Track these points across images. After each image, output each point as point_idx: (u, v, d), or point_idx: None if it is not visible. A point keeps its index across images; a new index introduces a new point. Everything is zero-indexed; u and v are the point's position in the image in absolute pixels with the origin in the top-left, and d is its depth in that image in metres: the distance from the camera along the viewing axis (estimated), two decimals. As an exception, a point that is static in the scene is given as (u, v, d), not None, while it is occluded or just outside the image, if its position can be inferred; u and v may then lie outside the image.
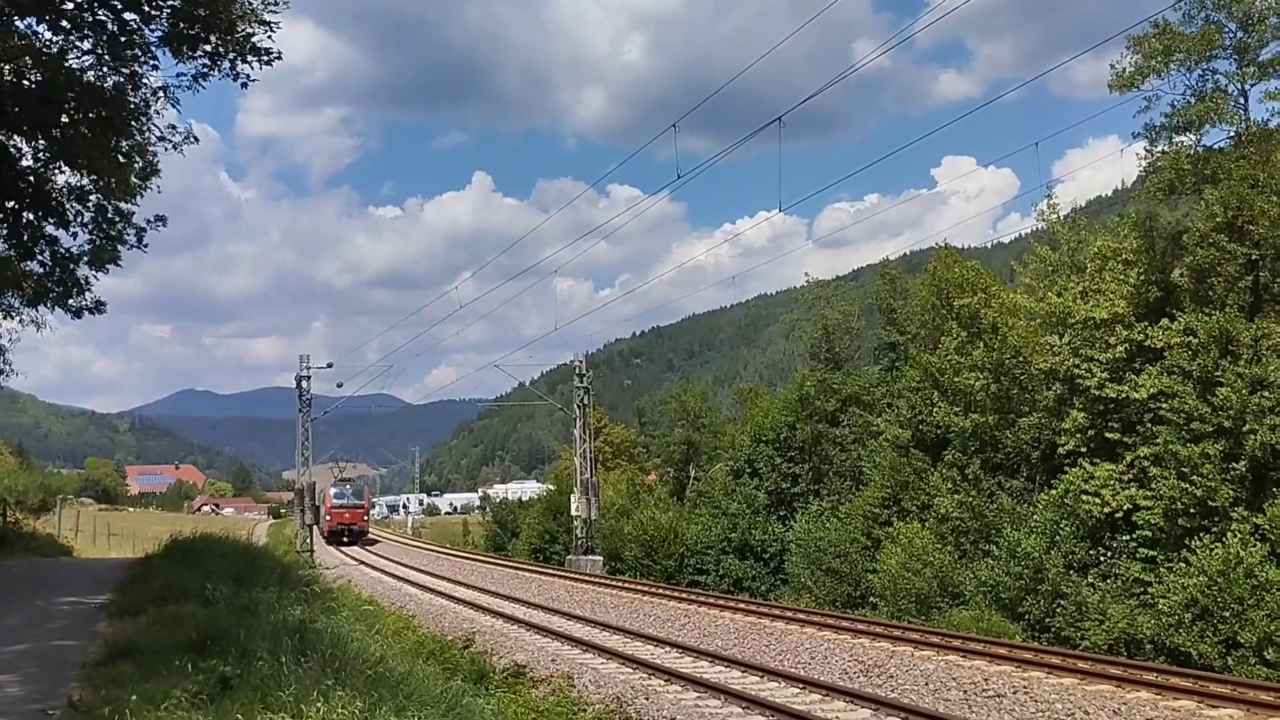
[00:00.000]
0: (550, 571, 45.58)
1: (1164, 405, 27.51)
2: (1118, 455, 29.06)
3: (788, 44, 25.14)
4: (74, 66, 20.41)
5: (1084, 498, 28.97)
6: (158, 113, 21.60)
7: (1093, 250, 31.35)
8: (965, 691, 16.14)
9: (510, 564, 53.01)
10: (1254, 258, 27.14)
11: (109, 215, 23.30)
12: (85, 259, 23.68)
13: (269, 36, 20.24)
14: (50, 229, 23.09)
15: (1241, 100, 28.79)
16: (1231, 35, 28.46)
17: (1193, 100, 28.73)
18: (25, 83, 20.25)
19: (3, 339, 27.23)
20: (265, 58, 20.45)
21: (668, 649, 21.02)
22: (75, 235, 23.40)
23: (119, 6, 19.71)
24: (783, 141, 25.71)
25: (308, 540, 51.87)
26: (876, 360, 46.97)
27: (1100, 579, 28.45)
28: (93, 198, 23.13)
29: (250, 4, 19.90)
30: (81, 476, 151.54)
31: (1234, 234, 26.96)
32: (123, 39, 20.17)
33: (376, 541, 76.71)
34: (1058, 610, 28.62)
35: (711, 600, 31.06)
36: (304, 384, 54.30)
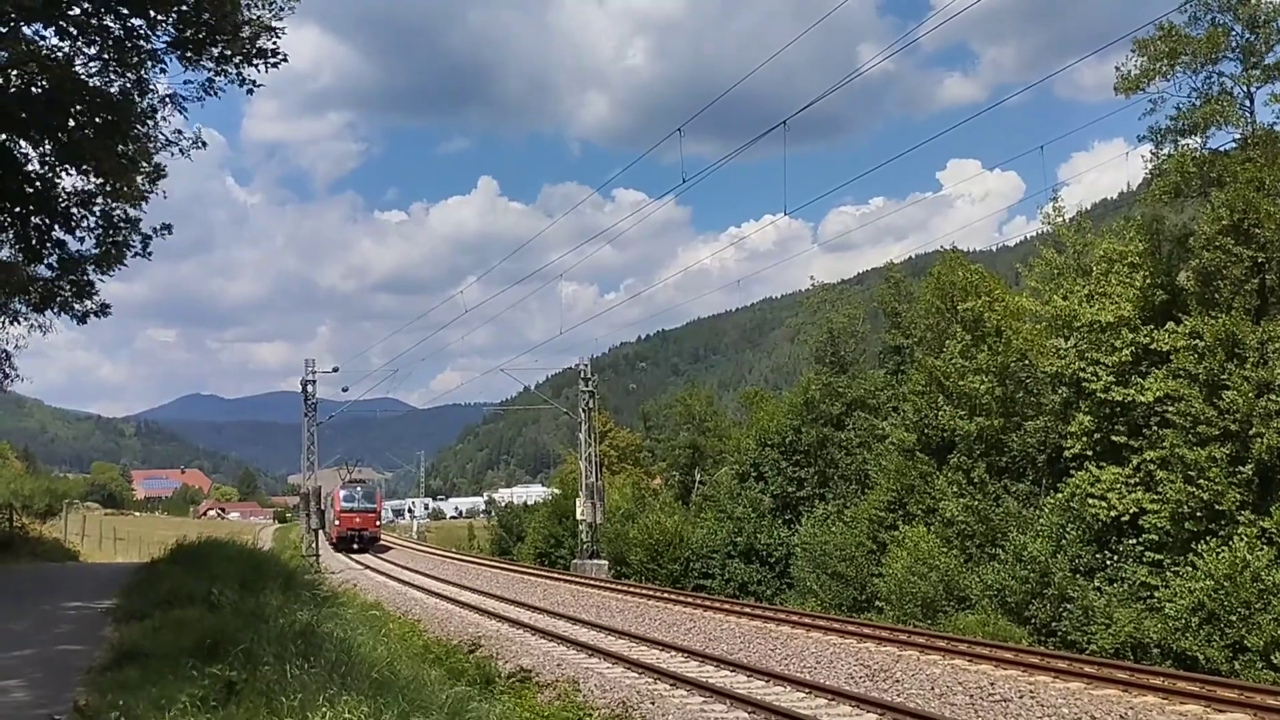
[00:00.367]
0: (555, 576, 45.58)
1: (1170, 408, 27.45)
2: (1124, 459, 29.00)
3: (792, 48, 25.19)
4: (80, 72, 20.48)
5: (1090, 501, 28.91)
6: (165, 119, 21.68)
7: (1098, 253, 31.30)
8: (971, 696, 16.11)
9: (516, 568, 53.01)
10: (1260, 261, 27.08)
11: (115, 220, 23.38)
12: (91, 263, 23.76)
13: (274, 41, 20.31)
14: (58, 232, 23.17)
15: (1247, 103, 28.77)
16: (1238, 37, 28.46)
17: (1198, 103, 28.71)
18: (32, 88, 20.32)
19: (9, 344, 27.36)
20: (270, 60, 20.50)
21: (673, 653, 21.00)
22: (83, 240, 23.49)
23: (125, 12, 19.77)
24: (788, 145, 25.74)
25: (313, 545, 51.86)
26: (881, 364, 46.95)
27: (1107, 583, 28.37)
28: (99, 201, 23.21)
29: (256, 13, 19.95)
30: (87, 481, 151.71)
31: (1240, 237, 26.91)
32: (129, 44, 20.24)
33: (389, 548, 71.96)
34: (1064, 614, 28.55)
35: (717, 604, 31.04)
36: (309, 388, 54.27)
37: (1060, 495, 30.31)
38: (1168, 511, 27.02)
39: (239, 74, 20.63)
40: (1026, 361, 33.30)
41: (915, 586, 32.62)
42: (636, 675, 18.48)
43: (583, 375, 54.70)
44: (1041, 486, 32.67)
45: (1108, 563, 28.73)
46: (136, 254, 23.70)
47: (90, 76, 20.67)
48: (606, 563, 49.47)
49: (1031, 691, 16.19)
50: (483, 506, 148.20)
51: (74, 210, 23.04)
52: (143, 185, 22.73)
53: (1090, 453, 29.89)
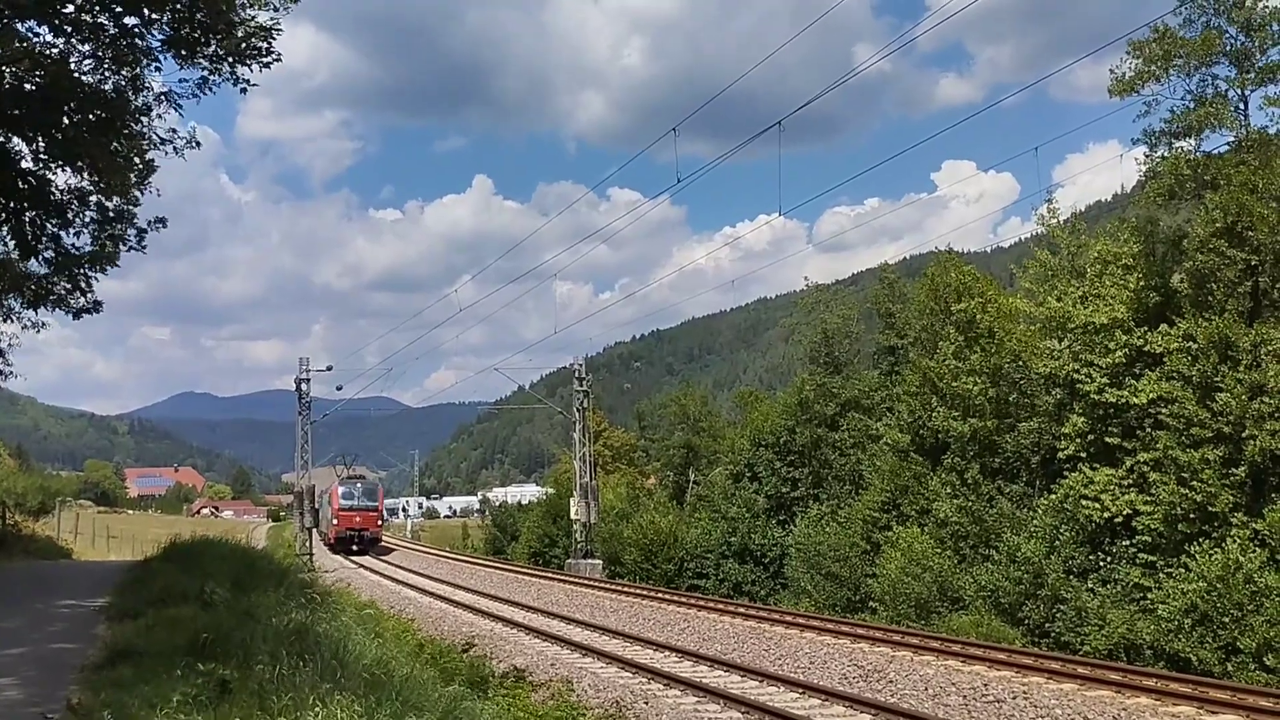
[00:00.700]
0: (550, 575, 45.59)
1: (1164, 410, 27.50)
2: (1117, 460, 29.05)
3: (788, 48, 25.21)
4: (74, 69, 20.44)
5: (1084, 503, 28.96)
6: (160, 116, 21.64)
7: (1092, 255, 31.36)
8: (965, 697, 16.14)
9: (510, 568, 53.01)
10: (1253, 263, 27.15)
11: (110, 216, 23.36)
12: (86, 260, 23.75)
13: (269, 41, 20.25)
14: (53, 228, 23.13)
15: (1241, 106, 28.82)
16: (1232, 40, 28.48)
17: (1193, 105, 28.74)
18: (27, 85, 20.28)
19: (2, 341, 27.33)
20: (264, 59, 20.45)
21: (667, 653, 21.02)
22: (79, 235, 23.48)
23: (119, 10, 19.72)
24: (783, 145, 25.75)
25: (307, 543, 51.81)
26: (876, 364, 47.01)
27: (1100, 584, 28.43)
28: (93, 198, 23.19)
29: (251, 13, 19.89)
30: (81, 479, 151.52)
31: (1233, 239, 26.96)
32: (124, 42, 20.19)
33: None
34: (1057, 615, 28.61)
35: (711, 604, 31.06)
36: (304, 387, 54.26)
37: (1054, 496, 30.37)
38: (1161, 513, 27.08)
39: (233, 73, 20.59)
40: (1020, 363, 33.36)
41: (909, 587, 32.66)
42: (630, 675, 18.49)
43: (577, 375, 54.69)
44: (1035, 488, 32.72)
45: (1101, 564, 28.79)
46: (131, 248, 23.69)
47: (85, 74, 20.64)
48: (601, 562, 49.49)
49: (1025, 692, 16.22)
50: (477, 506, 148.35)
51: (69, 206, 23.01)
52: (134, 182, 22.70)
53: (1084, 454, 29.94)
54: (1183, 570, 25.73)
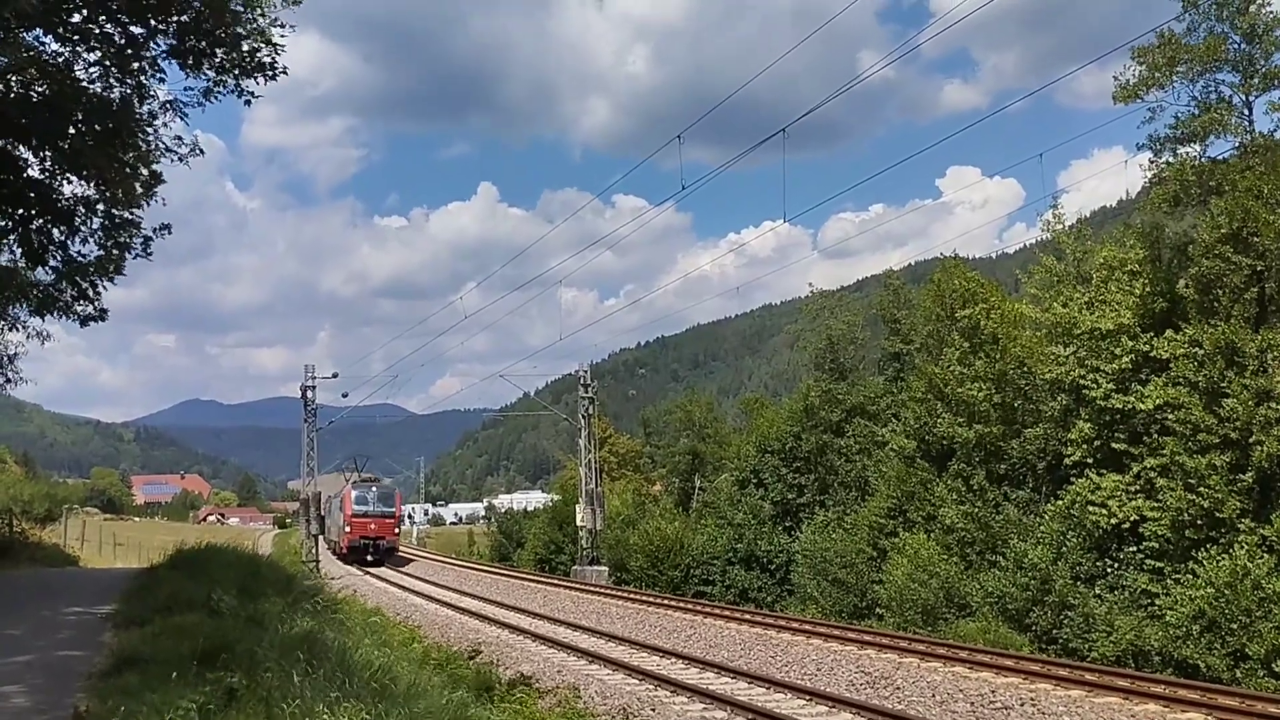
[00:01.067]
0: (555, 582, 45.54)
1: (1170, 416, 27.46)
2: (1124, 466, 29.01)
3: (792, 55, 25.19)
4: (80, 78, 20.50)
5: (1090, 509, 28.91)
6: (165, 124, 21.68)
7: (1098, 261, 31.34)
8: (972, 703, 16.10)
9: (515, 574, 52.96)
10: (1259, 269, 27.11)
11: (116, 224, 23.40)
12: (92, 268, 23.78)
13: (274, 54, 20.28)
14: (60, 236, 23.18)
15: (1246, 111, 28.84)
16: (1236, 47, 28.51)
17: (1197, 112, 28.77)
18: (32, 94, 20.34)
19: (9, 349, 27.38)
20: (270, 73, 20.49)
21: (674, 660, 20.99)
22: (85, 242, 23.51)
23: (125, 20, 19.78)
24: (787, 152, 25.75)
25: (313, 550, 51.79)
26: (881, 370, 47.02)
27: (1107, 590, 28.37)
28: (100, 207, 23.23)
29: (257, 24, 19.94)
30: (87, 486, 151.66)
31: (1239, 245, 26.92)
32: (129, 52, 20.25)
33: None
34: (1065, 621, 28.54)
35: (717, 611, 31.01)
36: (309, 394, 54.28)
37: (1061, 502, 30.31)
38: (1168, 519, 27.02)
39: (238, 85, 20.62)
40: (1025, 369, 33.33)
41: (915, 593, 32.60)
42: (637, 682, 18.46)
43: (582, 381, 54.68)
44: (1041, 494, 32.66)
45: (1108, 570, 28.73)
46: (137, 255, 23.72)
47: (90, 83, 20.69)
48: (607, 569, 49.41)
49: (1032, 699, 16.18)
50: (482, 512, 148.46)
51: (75, 214, 23.06)
52: (141, 192, 22.73)
53: (1090, 460, 29.89)
54: (1190, 576, 25.67)
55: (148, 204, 23.01)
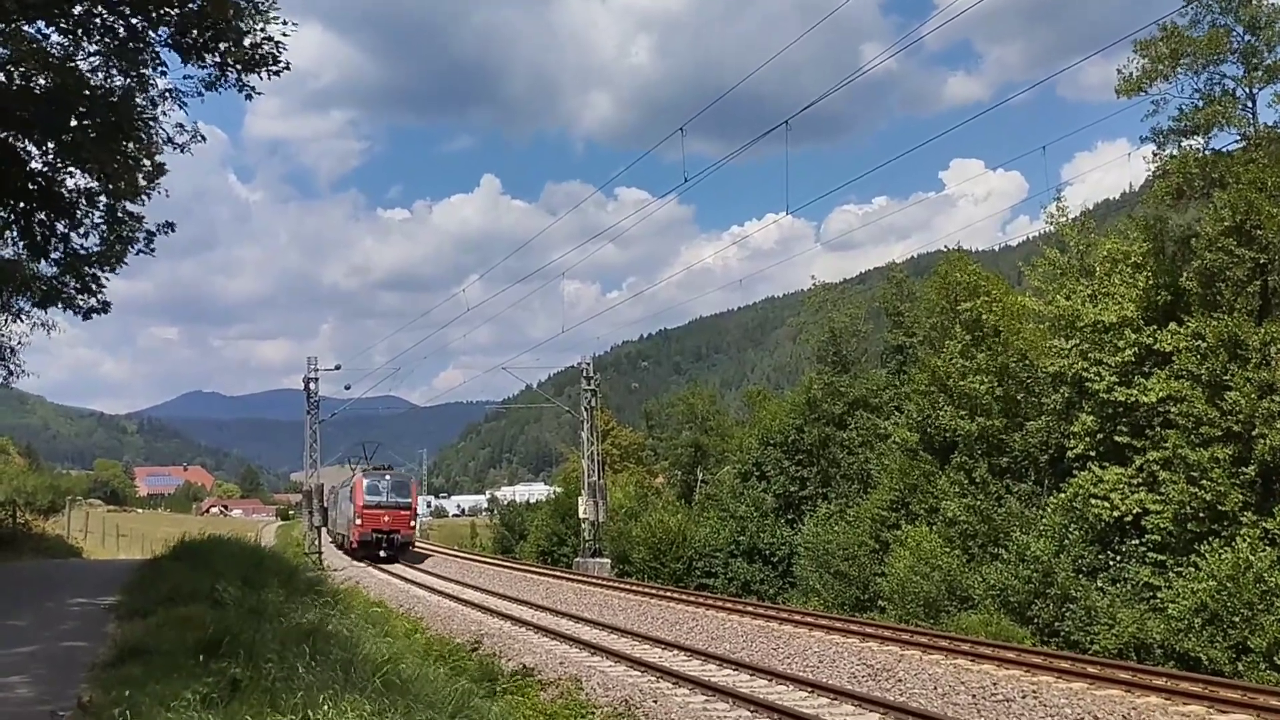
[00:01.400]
0: (558, 574, 45.59)
1: (1173, 409, 27.44)
2: (1127, 459, 29.00)
3: (795, 47, 25.19)
4: (82, 69, 20.48)
5: (1093, 501, 28.91)
6: (164, 114, 21.64)
7: (1101, 253, 31.30)
8: (974, 696, 16.12)
9: (518, 566, 53.01)
10: (1262, 262, 27.07)
11: (119, 216, 23.41)
12: (94, 260, 23.80)
13: (276, 49, 20.24)
14: (62, 228, 23.20)
15: (1250, 104, 28.77)
16: (1239, 39, 28.45)
17: (1200, 104, 28.70)
18: (34, 86, 20.33)
19: (12, 341, 27.42)
20: (273, 68, 20.46)
21: (676, 652, 21.01)
22: (87, 235, 23.53)
23: (127, 11, 19.76)
24: (790, 144, 25.72)
25: (316, 542, 51.87)
26: (884, 363, 47.01)
27: (1110, 583, 28.38)
28: (102, 200, 23.23)
29: (259, 24, 19.88)
30: (90, 478, 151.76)
31: (1242, 238, 26.89)
32: (131, 44, 20.23)
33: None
34: (1067, 614, 28.55)
35: (720, 603, 31.04)
36: (312, 386, 54.39)
37: (1063, 495, 30.30)
38: (1170, 512, 27.02)
39: (240, 80, 20.58)
40: (1027, 361, 33.32)
41: (918, 586, 32.62)
42: (639, 674, 18.49)
43: (585, 374, 54.71)
44: (1044, 486, 32.67)
45: (1111, 563, 28.74)
46: (140, 250, 23.74)
47: (91, 73, 20.67)
48: (609, 561, 49.48)
49: (1034, 691, 16.20)
50: (485, 504, 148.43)
51: (78, 207, 23.07)
52: (143, 184, 22.73)
53: (1093, 453, 29.89)
54: (1193, 569, 25.67)
55: (150, 195, 23.02)
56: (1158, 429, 28.28)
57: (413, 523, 55.28)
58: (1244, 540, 24.66)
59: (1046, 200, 35.05)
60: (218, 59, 20.20)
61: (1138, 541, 28.22)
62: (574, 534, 56.24)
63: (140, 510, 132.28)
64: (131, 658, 10.10)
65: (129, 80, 20.87)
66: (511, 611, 28.86)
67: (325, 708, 7.36)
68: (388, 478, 54.49)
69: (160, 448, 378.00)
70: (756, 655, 20.65)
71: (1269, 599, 23.66)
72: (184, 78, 20.78)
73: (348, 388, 59.57)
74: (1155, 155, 29.76)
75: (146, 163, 22.37)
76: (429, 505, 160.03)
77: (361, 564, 49.21)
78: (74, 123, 20.75)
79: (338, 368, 58.59)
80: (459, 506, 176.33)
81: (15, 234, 23.18)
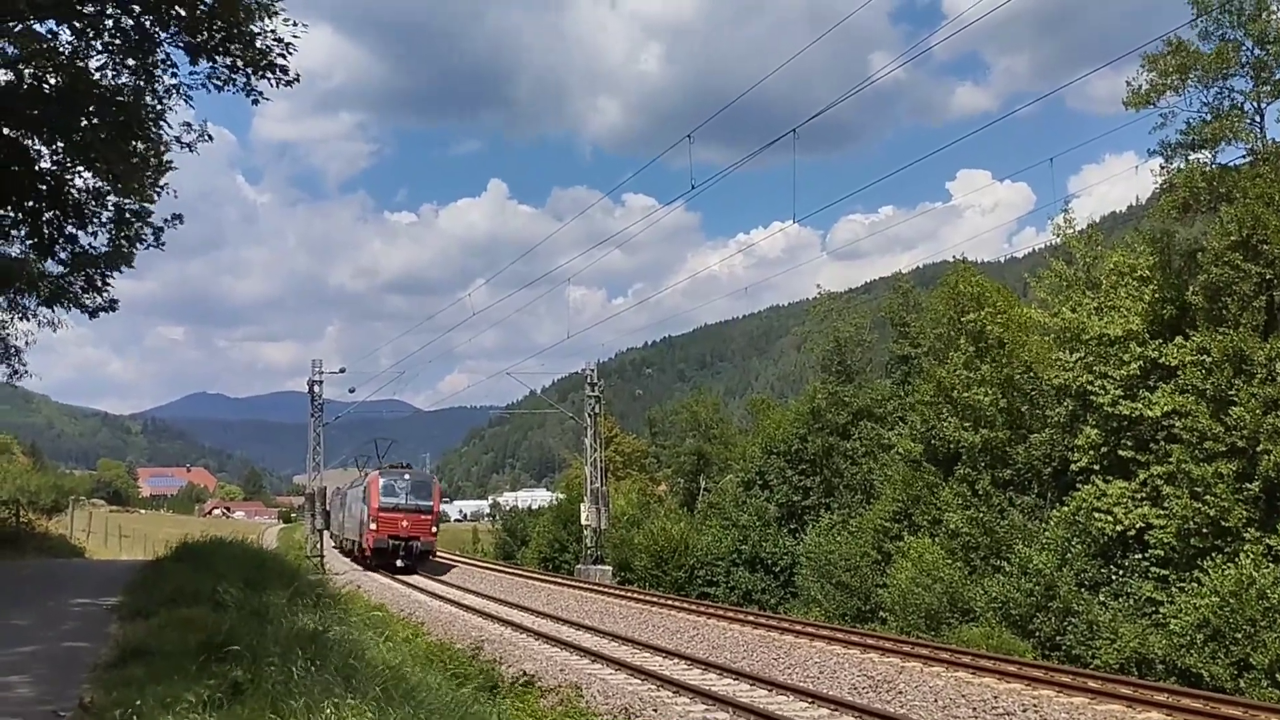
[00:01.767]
0: (559, 580, 45.58)
1: (1177, 423, 27.40)
2: (1130, 473, 28.96)
3: (804, 55, 25.21)
4: (92, 69, 20.57)
5: (1096, 515, 28.86)
6: (172, 109, 21.68)
7: (1108, 266, 31.29)
8: (974, 709, 16.10)
9: (519, 572, 52.98)
10: (1268, 277, 27.02)
11: (126, 216, 23.49)
12: (102, 260, 23.89)
13: (285, 54, 20.28)
14: (70, 228, 23.28)
15: (1258, 118, 28.75)
16: (1248, 53, 28.42)
17: (1209, 118, 28.68)
18: (44, 86, 20.42)
19: (19, 340, 27.49)
20: (284, 77, 20.50)
21: (677, 660, 21.01)
22: (95, 235, 23.62)
23: (137, 10, 19.82)
24: (797, 153, 25.75)
25: (318, 545, 51.83)
26: (889, 373, 46.96)
27: (1112, 597, 28.32)
28: (111, 199, 23.32)
29: (267, 22, 19.92)
30: (94, 478, 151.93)
31: (1249, 253, 26.85)
32: (141, 44, 20.29)
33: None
34: (1068, 628, 28.50)
35: (721, 612, 31.03)
36: (316, 388, 54.51)
37: (1066, 509, 30.26)
38: (1174, 527, 26.97)
39: (249, 84, 20.62)
40: (1032, 373, 33.28)
41: (919, 598, 32.58)
42: (639, 682, 18.48)
43: (589, 380, 54.75)
44: (1047, 500, 32.62)
45: (1113, 577, 28.68)
46: (149, 245, 23.82)
47: (102, 73, 20.74)
48: (610, 568, 49.45)
49: (1035, 705, 16.17)
50: (487, 510, 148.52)
51: (86, 206, 23.15)
52: (151, 181, 22.81)
53: (1097, 466, 29.85)
54: (1195, 585, 25.62)
55: (159, 194, 23.11)
56: (1162, 443, 28.23)
57: (434, 528, 49.61)
58: (1247, 556, 24.61)
59: (1053, 212, 35.08)
60: (228, 61, 20.26)
61: (1140, 556, 28.16)
62: (576, 540, 56.23)
63: (143, 511, 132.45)
64: (133, 659, 10.10)
65: (138, 80, 20.95)
66: (512, 618, 28.86)
67: (327, 712, 7.36)
68: (406, 477, 49.07)
69: (164, 448, 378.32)
70: (757, 665, 20.63)
71: (1271, 615, 23.60)
72: (190, 73, 20.81)
73: (352, 391, 59.73)
74: (1162, 169, 29.74)
75: (154, 161, 22.47)
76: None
77: (359, 569, 48.79)
78: (84, 122, 20.84)
79: (342, 371, 58.74)
80: (461, 511, 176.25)
81: (23, 233, 23.27)
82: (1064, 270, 33.53)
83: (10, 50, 20.19)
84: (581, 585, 41.91)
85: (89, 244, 23.67)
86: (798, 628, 26.81)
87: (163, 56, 20.59)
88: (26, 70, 20.35)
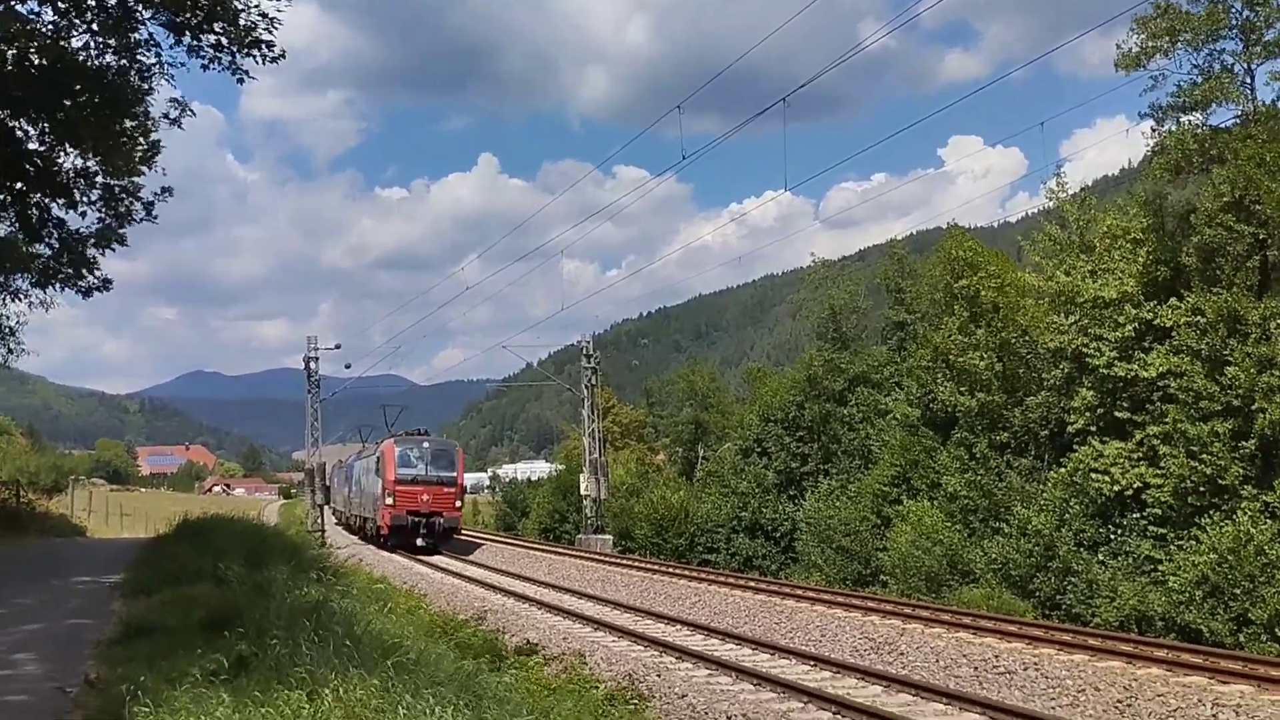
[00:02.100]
0: (561, 550, 45.68)
1: (1173, 384, 27.49)
2: (1127, 434, 29.06)
3: (793, 24, 25.02)
4: (76, 48, 20.42)
5: (1093, 476, 28.99)
6: (154, 87, 21.49)
7: (1101, 229, 31.26)
8: (976, 668, 16.20)
9: (520, 543, 53.12)
10: (1261, 237, 27.04)
11: (116, 194, 23.38)
12: (91, 240, 23.79)
13: (270, 31, 20.12)
14: (58, 211, 23.17)
15: (1248, 80, 28.67)
16: (1238, 15, 28.30)
17: (1199, 80, 28.59)
18: (29, 65, 20.26)
19: (11, 320, 27.40)
20: (269, 54, 20.34)
21: (679, 627, 21.12)
22: (84, 215, 23.50)
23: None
24: (789, 122, 25.65)
25: (318, 520, 51.84)
26: (884, 340, 46.99)
27: (1110, 556, 28.49)
28: (99, 179, 23.19)
29: (253, 2, 19.75)
30: (92, 457, 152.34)
31: (1241, 213, 26.84)
32: (126, 24, 20.13)
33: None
34: (1068, 588, 28.67)
35: (722, 579, 31.14)
36: (312, 365, 54.40)
37: (1064, 470, 30.38)
38: (1171, 486, 27.09)
39: (234, 63, 20.46)
40: (1028, 337, 33.32)
41: (919, 560, 32.73)
42: (642, 648, 18.58)
43: (585, 352, 54.70)
44: (1044, 461, 32.73)
45: (1111, 537, 28.84)
46: (142, 219, 23.72)
47: (83, 52, 20.59)
48: (611, 537, 49.56)
49: (1035, 664, 16.27)
50: (487, 482, 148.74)
51: (75, 186, 23.02)
52: (139, 159, 22.70)
53: (1093, 428, 29.95)
54: (1193, 543, 25.76)
55: (148, 170, 23.00)
56: (1158, 404, 28.32)
57: (459, 503, 44.38)
58: (1244, 513, 24.75)
59: (1046, 177, 34.94)
60: (213, 40, 20.11)
61: (1138, 515, 28.31)
62: (576, 511, 56.34)
63: (143, 490, 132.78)
64: (137, 635, 10.17)
65: (121, 60, 20.79)
66: (514, 588, 28.97)
67: (333, 683, 7.40)
68: (425, 445, 43.84)
69: (162, 427, 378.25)
70: (759, 630, 20.74)
71: (1269, 571, 23.75)
72: (170, 47, 20.58)
73: (348, 366, 59.63)
74: (1154, 131, 29.67)
75: (142, 141, 22.35)
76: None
77: (361, 542, 48.78)
78: (69, 101, 20.71)
79: (337, 347, 58.53)
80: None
81: (11, 215, 23.16)
82: (1057, 234, 33.49)
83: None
84: (583, 554, 42.01)
85: (78, 227, 23.56)
86: (799, 592, 26.92)
87: (146, 36, 20.41)
88: (10, 51, 20.18)
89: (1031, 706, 13.90)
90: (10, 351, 28.26)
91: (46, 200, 22.94)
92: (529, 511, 71.17)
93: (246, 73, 20.63)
